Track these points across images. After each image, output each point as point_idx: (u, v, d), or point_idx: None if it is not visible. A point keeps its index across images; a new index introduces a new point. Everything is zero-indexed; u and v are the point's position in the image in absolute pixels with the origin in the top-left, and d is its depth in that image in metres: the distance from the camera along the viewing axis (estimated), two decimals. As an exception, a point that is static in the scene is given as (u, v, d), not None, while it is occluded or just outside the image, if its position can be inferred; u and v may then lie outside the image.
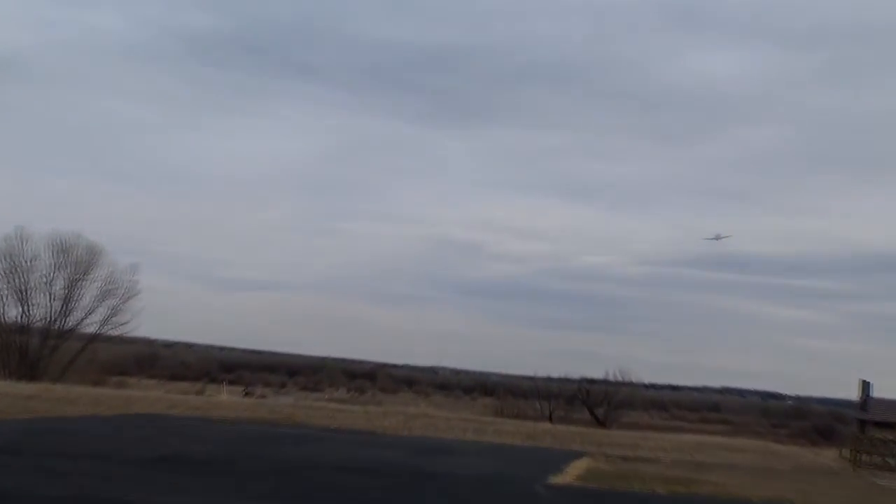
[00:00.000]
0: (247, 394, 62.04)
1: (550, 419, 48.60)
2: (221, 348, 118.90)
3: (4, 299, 42.26)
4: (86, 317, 43.88)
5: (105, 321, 44.09)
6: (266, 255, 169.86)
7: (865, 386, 33.26)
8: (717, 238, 58.18)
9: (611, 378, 59.02)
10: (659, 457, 20.74)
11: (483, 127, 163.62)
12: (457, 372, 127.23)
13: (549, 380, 61.57)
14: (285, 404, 32.36)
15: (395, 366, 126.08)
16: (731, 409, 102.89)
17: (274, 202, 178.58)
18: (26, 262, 42.15)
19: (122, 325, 44.59)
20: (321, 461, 14.10)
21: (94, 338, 44.84)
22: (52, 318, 42.83)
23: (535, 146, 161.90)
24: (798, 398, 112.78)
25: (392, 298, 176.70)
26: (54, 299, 42.86)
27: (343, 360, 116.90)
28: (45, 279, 42.66)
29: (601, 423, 49.86)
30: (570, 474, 14.80)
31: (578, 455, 19.09)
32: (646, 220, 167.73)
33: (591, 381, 59.65)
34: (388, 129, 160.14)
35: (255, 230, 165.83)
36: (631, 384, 61.74)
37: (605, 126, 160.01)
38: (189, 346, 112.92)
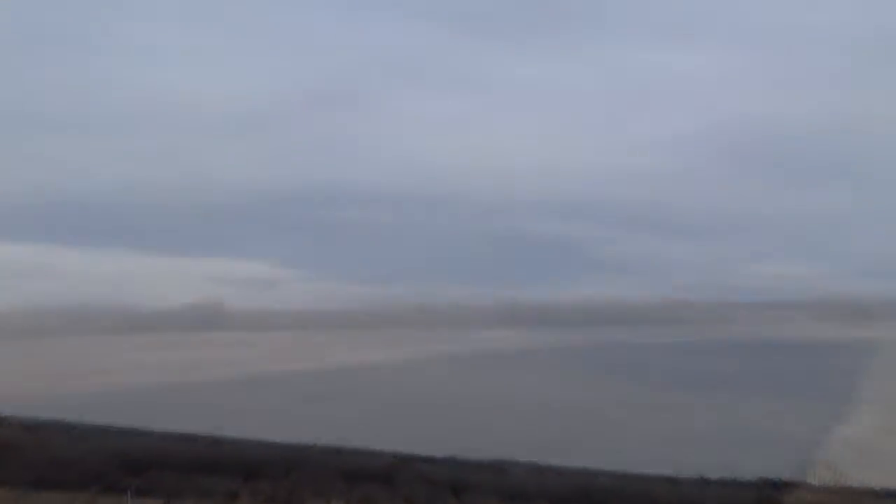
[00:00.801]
0: (170, 511, 62.17)
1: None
2: (124, 431, 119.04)
3: None
4: None
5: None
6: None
7: None
8: None
9: (814, 481, 58.10)
10: None
11: (585, 41, 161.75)
12: (540, 470, 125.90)
13: (704, 483, 60.86)
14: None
15: (430, 459, 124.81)
16: None
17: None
18: None
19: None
20: None
21: None
22: None
23: (674, 72, 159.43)
24: None
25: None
26: None
27: (339, 451, 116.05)
28: None
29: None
30: None
31: None
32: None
33: (779, 485, 58.16)
34: (413, 43, 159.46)
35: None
36: (851, 491, 60.06)
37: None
38: (68, 429, 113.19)
